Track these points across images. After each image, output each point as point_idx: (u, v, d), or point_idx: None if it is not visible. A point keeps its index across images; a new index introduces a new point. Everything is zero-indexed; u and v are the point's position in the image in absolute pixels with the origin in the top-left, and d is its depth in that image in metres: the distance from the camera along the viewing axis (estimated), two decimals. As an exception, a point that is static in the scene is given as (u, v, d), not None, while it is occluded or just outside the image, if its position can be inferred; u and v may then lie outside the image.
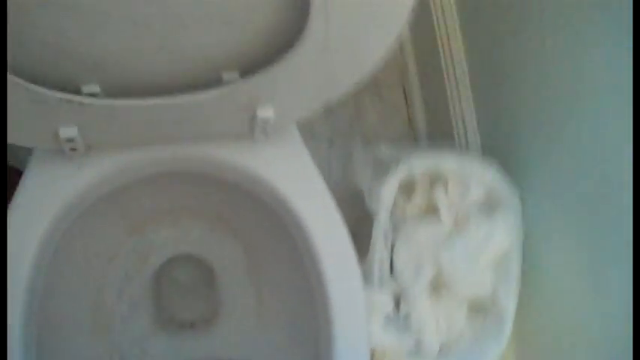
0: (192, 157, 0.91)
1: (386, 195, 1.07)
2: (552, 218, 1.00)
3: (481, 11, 1.12)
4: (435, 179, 1.12)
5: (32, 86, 0.73)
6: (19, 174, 1.11)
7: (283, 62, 0.76)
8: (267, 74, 0.78)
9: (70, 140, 0.82)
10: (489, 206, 1.08)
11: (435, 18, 1.23)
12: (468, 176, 1.08)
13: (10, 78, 0.71)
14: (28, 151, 0.85)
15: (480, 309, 1.08)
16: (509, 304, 1.04)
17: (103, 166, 0.88)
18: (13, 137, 0.81)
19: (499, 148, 1.13)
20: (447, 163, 1.09)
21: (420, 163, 1.09)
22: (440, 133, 1.29)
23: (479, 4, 1.12)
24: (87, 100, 0.77)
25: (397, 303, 1.09)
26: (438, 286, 1.10)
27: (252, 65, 0.78)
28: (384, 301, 1.01)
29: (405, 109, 1.38)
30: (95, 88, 0.78)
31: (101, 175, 0.88)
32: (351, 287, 0.89)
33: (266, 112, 0.84)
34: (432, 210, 1.12)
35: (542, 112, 0.98)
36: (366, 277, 1.04)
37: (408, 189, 1.15)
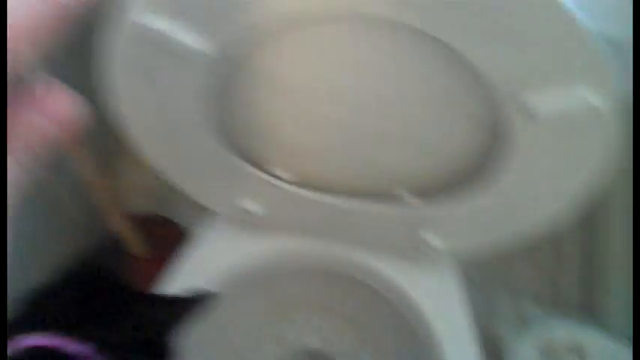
0: (350, 261, 0.94)
1: (525, 352, 1.06)
2: None
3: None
4: (576, 350, 1.10)
5: (231, 155, 0.80)
6: (175, 226, 1.18)
7: (461, 196, 0.79)
8: (441, 203, 0.81)
9: (247, 212, 0.87)
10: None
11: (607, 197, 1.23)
12: (610, 358, 1.06)
13: (216, 146, 0.78)
14: (189, 208, 0.90)
15: None
16: None
17: (268, 246, 0.93)
18: (195, 195, 0.88)
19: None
20: (592, 339, 1.07)
21: (564, 331, 1.08)
22: (589, 306, 1.27)
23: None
24: (274, 181, 0.83)
25: None
26: None
27: (429, 190, 0.82)
28: None
29: (557, 271, 1.37)
30: (283, 173, 0.84)
31: (264, 254, 0.93)
32: None
33: (431, 238, 0.87)
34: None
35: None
36: None
37: (546, 351, 1.13)
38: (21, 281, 0.62)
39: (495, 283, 1.29)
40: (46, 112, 0.29)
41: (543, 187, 0.75)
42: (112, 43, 0.66)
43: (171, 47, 0.65)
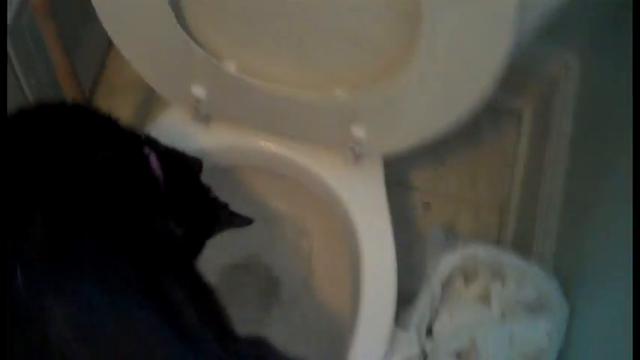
0: (284, 158, 1.09)
1: (444, 263, 1.17)
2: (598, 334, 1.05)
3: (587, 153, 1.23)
4: (496, 275, 1.21)
5: (189, 40, 0.92)
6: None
7: (383, 84, 0.91)
8: (366, 93, 0.93)
9: (198, 100, 1.00)
10: (538, 308, 1.14)
11: (547, 150, 1.34)
12: (525, 277, 1.16)
13: (178, 30, 0.90)
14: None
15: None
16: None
17: (212, 139, 1.08)
18: (152, 80, 1.00)
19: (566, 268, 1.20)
20: (510, 261, 1.18)
21: (483, 252, 1.18)
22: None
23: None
24: (223, 65, 0.95)
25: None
26: (464, 358, 1.16)
27: (360, 83, 0.94)
28: (411, 340, 1.07)
29: (497, 230, 1.48)
30: (230, 61, 0.96)
31: (206, 147, 1.07)
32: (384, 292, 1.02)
33: (359, 132, 0.99)
34: (485, 300, 1.20)
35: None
36: (404, 322, 1.12)
37: (469, 279, 1.24)
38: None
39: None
40: None
41: (460, 69, 0.86)
42: None
43: None
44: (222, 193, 1.05)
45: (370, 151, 1.03)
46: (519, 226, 1.41)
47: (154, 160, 0.90)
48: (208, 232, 1.02)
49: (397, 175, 1.49)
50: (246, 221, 1.06)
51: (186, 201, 0.96)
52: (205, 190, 1.03)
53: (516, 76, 1.45)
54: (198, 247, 1.00)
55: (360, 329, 0.98)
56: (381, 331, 0.99)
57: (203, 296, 0.79)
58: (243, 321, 1.22)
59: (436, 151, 1.52)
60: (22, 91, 1.18)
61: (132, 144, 0.89)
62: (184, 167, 0.99)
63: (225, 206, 1.05)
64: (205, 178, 1.00)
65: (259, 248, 1.25)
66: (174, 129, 1.06)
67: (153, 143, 0.95)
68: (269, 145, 1.08)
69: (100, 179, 0.77)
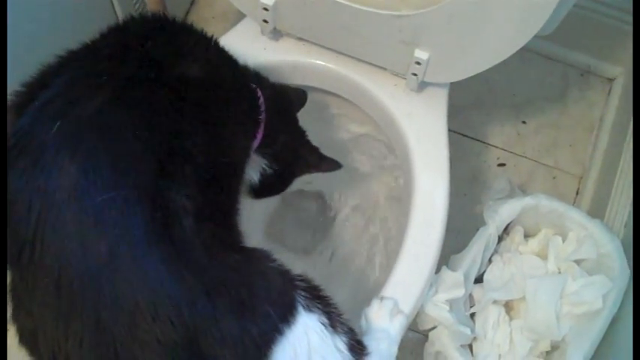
0: (348, 79, 1.08)
1: (503, 212, 1.13)
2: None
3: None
4: (558, 231, 1.16)
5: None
6: None
7: (446, 3, 0.88)
8: (430, 12, 0.90)
9: (266, 9, 1.00)
10: (596, 268, 1.09)
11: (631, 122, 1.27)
12: (588, 236, 1.10)
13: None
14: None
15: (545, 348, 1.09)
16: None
17: (278, 55, 1.08)
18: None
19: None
20: (575, 216, 1.13)
21: (547, 202, 1.14)
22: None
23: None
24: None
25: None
26: (511, 310, 1.13)
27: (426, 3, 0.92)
28: (457, 282, 1.04)
29: (572, 199, 1.42)
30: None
31: (271, 62, 1.08)
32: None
33: (422, 56, 0.97)
34: (543, 257, 1.16)
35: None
36: (454, 265, 1.09)
37: (529, 234, 1.20)
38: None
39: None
40: None
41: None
42: None
43: None
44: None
45: (432, 79, 1.01)
46: (596, 196, 1.35)
47: (260, 96, 0.92)
48: (296, 172, 1.05)
49: (475, 130, 1.46)
50: (335, 165, 1.06)
51: (283, 141, 0.98)
52: (301, 133, 1.05)
53: (612, 43, 1.41)
54: (284, 184, 1.04)
55: (402, 258, 0.96)
56: (424, 264, 0.96)
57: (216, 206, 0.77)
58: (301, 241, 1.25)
59: (519, 109, 1.48)
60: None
61: (236, 75, 0.92)
62: (285, 105, 1.01)
63: (316, 150, 1.06)
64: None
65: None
66: (243, 42, 1.07)
67: (261, 79, 0.98)
68: (333, 65, 1.07)
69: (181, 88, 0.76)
